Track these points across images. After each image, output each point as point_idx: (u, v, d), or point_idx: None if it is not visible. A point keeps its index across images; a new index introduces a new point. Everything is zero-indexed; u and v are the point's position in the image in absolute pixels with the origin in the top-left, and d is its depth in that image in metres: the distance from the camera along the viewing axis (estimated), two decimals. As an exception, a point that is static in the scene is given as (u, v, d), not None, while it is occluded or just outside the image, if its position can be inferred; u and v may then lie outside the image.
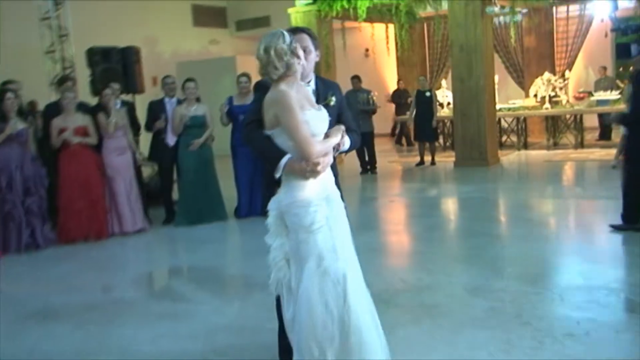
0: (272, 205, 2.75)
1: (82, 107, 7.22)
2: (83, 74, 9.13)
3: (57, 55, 9.43)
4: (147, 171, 8.63)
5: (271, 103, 2.67)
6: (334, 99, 3.05)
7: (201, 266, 5.72)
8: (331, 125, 2.86)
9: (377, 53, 12.89)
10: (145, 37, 12.25)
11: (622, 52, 14.20)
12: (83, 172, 6.85)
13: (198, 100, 7.39)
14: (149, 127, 7.63)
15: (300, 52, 2.74)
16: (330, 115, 2.88)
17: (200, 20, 15.92)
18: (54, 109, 7.20)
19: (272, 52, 2.62)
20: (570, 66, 14.30)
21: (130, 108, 7.85)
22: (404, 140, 15.08)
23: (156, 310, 4.39)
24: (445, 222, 7.24)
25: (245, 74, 7.66)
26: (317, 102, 2.93)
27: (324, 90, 3.09)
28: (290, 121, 2.60)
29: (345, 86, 10.97)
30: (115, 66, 8.86)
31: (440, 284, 4.55)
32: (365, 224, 6.87)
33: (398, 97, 14.70)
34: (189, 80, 7.36)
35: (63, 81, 7.89)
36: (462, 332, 3.58)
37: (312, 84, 3.09)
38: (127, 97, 8.56)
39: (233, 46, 16.82)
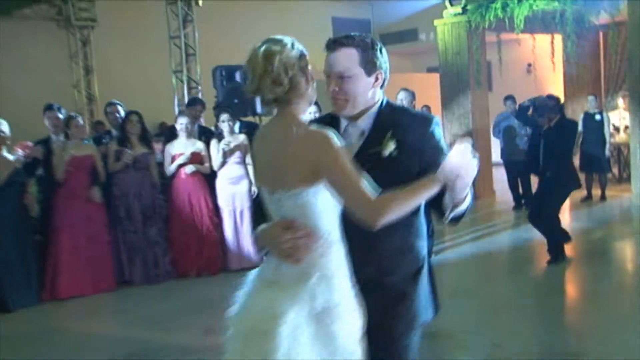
0: (300, 298, 2.17)
1: (203, 132, 7.71)
2: (210, 95, 9.78)
3: (184, 74, 10.13)
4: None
5: (310, 147, 2.13)
6: (392, 144, 2.25)
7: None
8: (388, 185, 2.08)
9: (539, 69, 12.46)
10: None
11: None
12: (191, 202, 7.33)
13: None
14: None
15: (310, 73, 2.29)
16: (384, 171, 2.19)
17: (342, 35, 16.08)
18: (165, 133, 7.70)
19: (276, 61, 2.19)
20: None
21: (252, 131, 8.10)
22: None
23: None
24: (624, 276, 6.74)
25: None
26: (366, 147, 2.30)
27: (385, 127, 2.29)
28: (344, 169, 2.07)
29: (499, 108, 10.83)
30: (241, 86, 9.17)
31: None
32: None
33: None
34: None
35: (191, 104, 8.42)
36: None
37: (366, 121, 2.36)
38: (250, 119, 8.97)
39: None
